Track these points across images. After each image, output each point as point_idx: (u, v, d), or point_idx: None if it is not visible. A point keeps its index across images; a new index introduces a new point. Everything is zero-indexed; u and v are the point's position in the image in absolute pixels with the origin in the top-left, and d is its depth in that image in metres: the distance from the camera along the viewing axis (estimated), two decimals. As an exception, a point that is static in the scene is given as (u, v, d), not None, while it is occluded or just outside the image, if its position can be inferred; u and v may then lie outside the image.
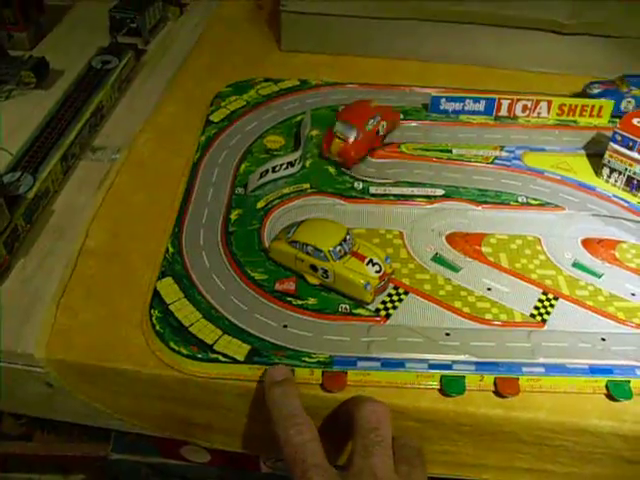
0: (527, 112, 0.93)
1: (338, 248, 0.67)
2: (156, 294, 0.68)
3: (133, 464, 0.98)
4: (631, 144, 0.80)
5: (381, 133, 0.87)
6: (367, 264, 0.67)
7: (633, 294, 0.71)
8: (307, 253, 0.68)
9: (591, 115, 0.94)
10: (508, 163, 0.86)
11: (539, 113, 0.93)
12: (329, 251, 0.67)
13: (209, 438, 0.71)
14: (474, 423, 0.63)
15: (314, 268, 0.67)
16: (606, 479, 0.68)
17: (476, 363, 0.63)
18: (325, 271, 0.67)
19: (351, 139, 0.82)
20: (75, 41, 1.05)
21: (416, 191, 0.82)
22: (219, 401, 0.65)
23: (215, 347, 0.64)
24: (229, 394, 0.65)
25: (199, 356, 0.63)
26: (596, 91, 0.94)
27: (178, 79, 1.00)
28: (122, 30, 1.03)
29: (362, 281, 0.66)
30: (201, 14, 1.16)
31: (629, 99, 0.92)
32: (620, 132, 0.80)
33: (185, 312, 0.67)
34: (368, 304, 0.68)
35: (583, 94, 0.96)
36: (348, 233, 0.68)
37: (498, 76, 1.05)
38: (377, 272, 0.67)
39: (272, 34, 1.10)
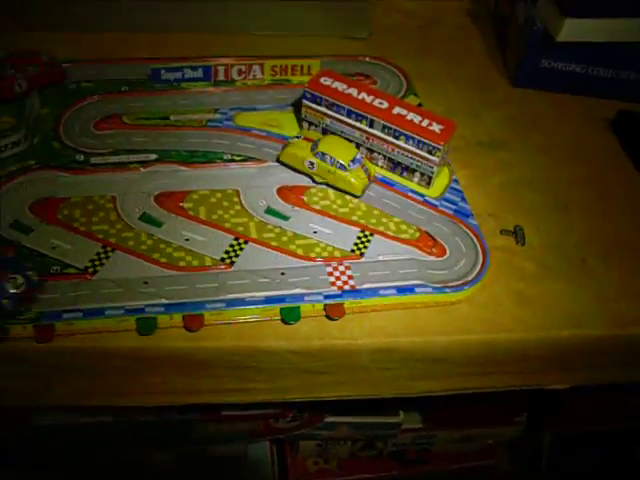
0: (243, 75, 1.04)
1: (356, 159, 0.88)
2: None
3: None
4: (319, 100, 0.92)
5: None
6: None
7: (315, 232, 0.84)
8: (324, 161, 0.88)
9: (302, 73, 1.06)
10: (220, 124, 0.97)
11: (254, 75, 1.04)
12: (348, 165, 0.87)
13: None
14: (170, 355, 0.75)
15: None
16: (297, 389, 0.82)
17: (166, 305, 0.75)
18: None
19: None
20: None
21: (132, 158, 0.91)
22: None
23: None
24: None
25: None
26: None
27: None
28: None
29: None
30: None
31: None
32: (309, 90, 0.92)
33: None
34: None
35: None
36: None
37: (226, 42, 1.15)
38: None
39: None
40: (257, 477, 1.22)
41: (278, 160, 0.92)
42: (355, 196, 0.88)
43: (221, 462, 1.20)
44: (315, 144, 0.88)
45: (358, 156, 0.88)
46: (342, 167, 0.87)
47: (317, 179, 0.90)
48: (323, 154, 0.87)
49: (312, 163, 0.89)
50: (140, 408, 0.89)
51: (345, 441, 1.23)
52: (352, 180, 0.88)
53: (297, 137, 0.91)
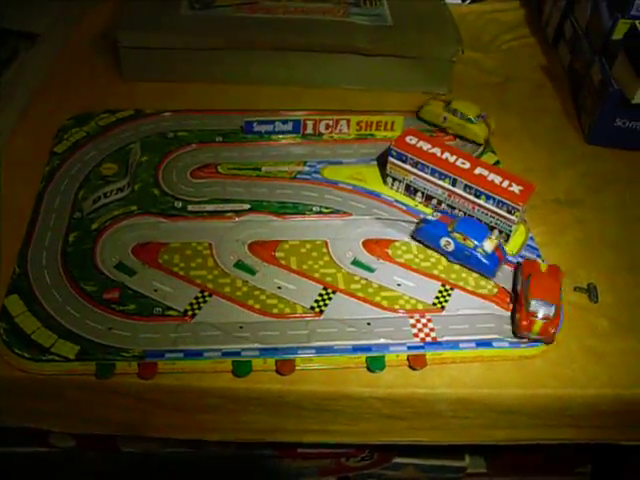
0: (330, 129, 1.10)
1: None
2: (4, 310, 0.82)
3: (8, 456, 1.12)
4: (404, 158, 0.97)
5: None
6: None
7: (399, 284, 0.89)
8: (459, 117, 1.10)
9: (385, 129, 1.11)
10: (308, 177, 1.02)
11: (340, 129, 1.10)
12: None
13: (59, 424, 0.86)
14: (262, 397, 0.80)
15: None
16: (376, 433, 0.86)
17: (260, 349, 0.80)
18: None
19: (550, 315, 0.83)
20: None
21: (226, 207, 0.97)
22: (59, 393, 0.80)
23: (52, 349, 0.79)
24: (67, 386, 0.80)
25: (38, 358, 0.78)
26: (429, 218, 0.98)
27: (28, 113, 1.12)
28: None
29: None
30: (52, 46, 1.27)
31: (447, 239, 0.93)
32: (395, 149, 0.97)
33: (28, 323, 0.81)
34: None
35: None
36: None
37: (315, 95, 1.22)
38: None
39: (117, 63, 1.22)
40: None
41: (418, 116, 1.17)
42: (478, 144, 1.10)
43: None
44: (448, 103, 1.11)
45: (483, 113, 1.10)
46: (469, 120, 1.10)
47: (449, 131, 1.12)
48: (455, 110, 1.10)
49: (445, 118, 1.11)
50: (219, 443, 0.94)
51: (409, 482, 1.26)
52: (477, 131, 1.10)
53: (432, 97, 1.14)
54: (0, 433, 1.06)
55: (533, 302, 0.83)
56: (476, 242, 0.90)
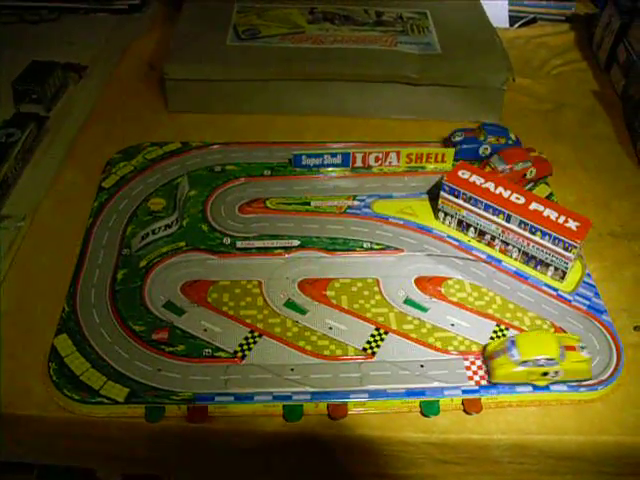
0: (379, 162, 1.08)
1: (560, 351, 0.79)
2: (53, 349, 0.82)
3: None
4: (456, 193, 0.95)
5: (527, 176, 1.07)
6: (578, 350, 0.81)
7: (452, 324, 0.87)
8: (539, 365, 0.80)
9: (436, 161, 1.09)
10: (359, 212, 1.01)
11: (390, 162, 1.08)
12: (558, 356, 0.79)
13: (106, 465, 0.85)
14: (312, 443, 0.78)
15: (545, 374, 0.80)
16: (430, 477, 0.83)
17: (312, 393, 0.78)
18: (557, 372, 0.80)
19: (499, 170, 1.04)
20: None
21: (276, 243, 0.95)
22: (108, 435, 0.79)
23: (101, 392, 0.78)
24: (115, 429, 0.78)
25: (87, 400, 0.77)
26: (458, 139, 1.11)
27: (76, 146, 1.12)
28: (24, 101, 1.16)
29: (587, 367, 0.80)
30: (98, 78, 1.28)
31: (485, 146, 1.10)
32: (447, 184, 0.95)
33: (77, 363, 0.80)
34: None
35: (448, 141, 1.13)
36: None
37: (363, 125, 1.20)
38: (587, 353, 0.81)
39: (162, 95, 1.23)
40: None
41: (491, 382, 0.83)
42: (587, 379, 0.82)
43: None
44: (509, 350, 0.81)
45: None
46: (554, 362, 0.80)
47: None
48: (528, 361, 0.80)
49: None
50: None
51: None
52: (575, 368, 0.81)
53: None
54: (46, 468, 1.04)
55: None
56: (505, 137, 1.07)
